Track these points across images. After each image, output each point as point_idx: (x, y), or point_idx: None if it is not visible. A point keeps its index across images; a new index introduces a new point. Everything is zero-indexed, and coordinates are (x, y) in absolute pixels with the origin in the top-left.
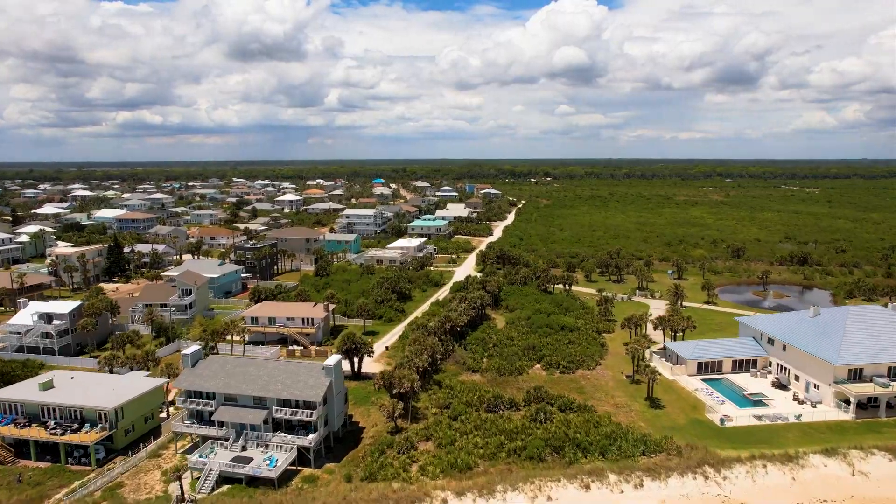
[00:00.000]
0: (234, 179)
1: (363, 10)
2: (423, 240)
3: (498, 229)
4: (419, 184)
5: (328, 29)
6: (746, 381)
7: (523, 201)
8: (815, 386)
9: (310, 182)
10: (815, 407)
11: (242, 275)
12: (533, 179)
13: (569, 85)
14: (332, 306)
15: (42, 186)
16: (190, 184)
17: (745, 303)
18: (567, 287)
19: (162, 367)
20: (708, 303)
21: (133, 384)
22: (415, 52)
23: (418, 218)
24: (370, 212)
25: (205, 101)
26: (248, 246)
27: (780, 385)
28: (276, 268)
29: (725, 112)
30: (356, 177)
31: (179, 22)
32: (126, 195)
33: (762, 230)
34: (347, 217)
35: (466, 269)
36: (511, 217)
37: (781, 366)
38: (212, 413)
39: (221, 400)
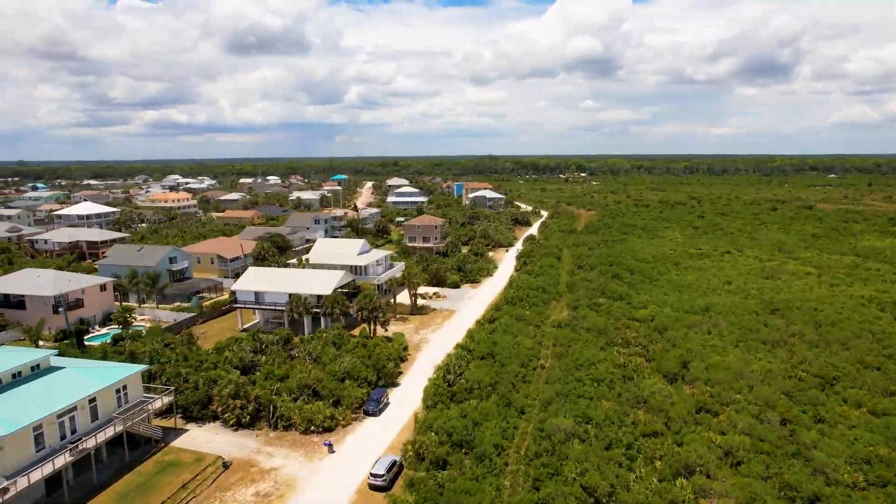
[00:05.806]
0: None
1: (384, 7)
2: None
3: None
4: (394, 182)
5: (350, 27)
6: None
7: (544, 214)
8: None
9: (274, 178)
10: None
11: None
12: (562, 175)
13: (588, 79)
14: None
15: None
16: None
17: None
18: None
19: None
20: None
21: None
22: (436, 49)
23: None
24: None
25: (226, 100)
26: None
27: None
28: None
29: (758, 106)
30: (320, 173)
31: (184, 19)
32: None
33: None
34: None
35: None
36: (508, 261)
37: None
38: None
39: None
